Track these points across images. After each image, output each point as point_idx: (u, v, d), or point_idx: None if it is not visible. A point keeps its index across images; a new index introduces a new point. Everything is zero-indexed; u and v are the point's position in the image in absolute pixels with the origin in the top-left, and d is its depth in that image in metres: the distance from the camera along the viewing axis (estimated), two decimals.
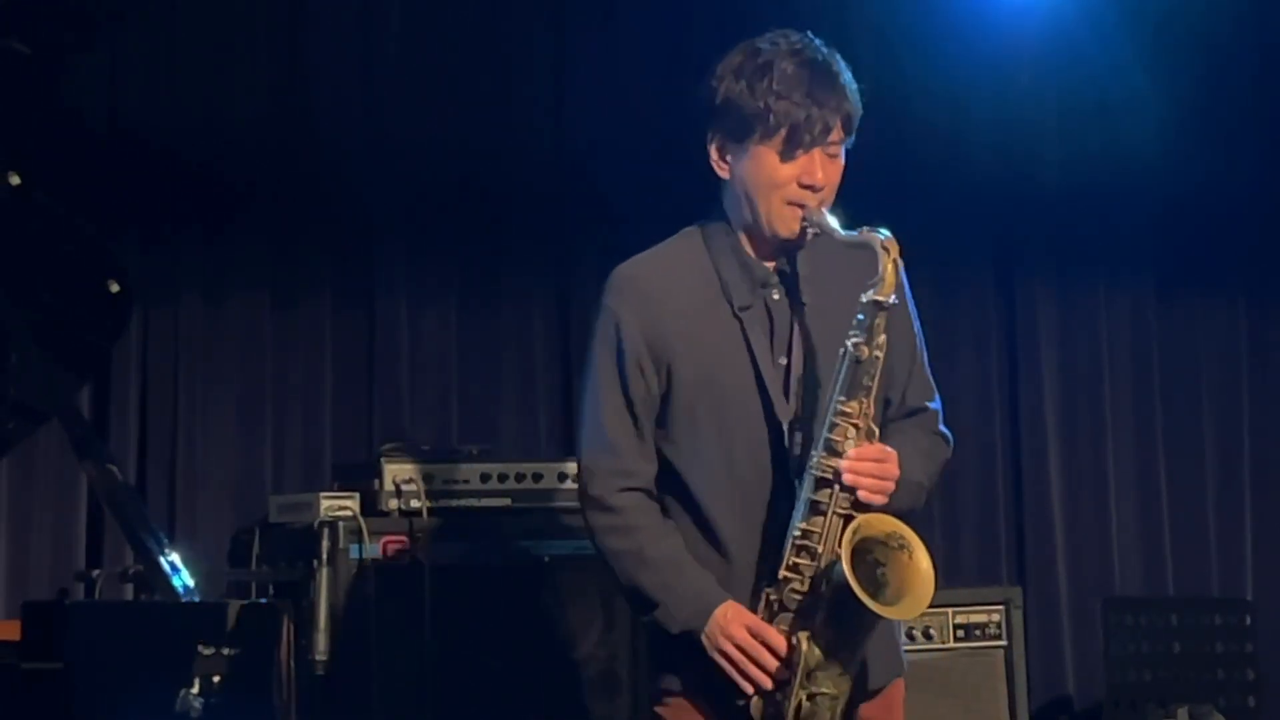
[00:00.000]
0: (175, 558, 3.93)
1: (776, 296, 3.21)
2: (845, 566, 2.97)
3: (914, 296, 6.22)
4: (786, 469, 3.14)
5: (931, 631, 5.02)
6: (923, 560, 3.06)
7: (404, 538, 4.69)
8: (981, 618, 5.09)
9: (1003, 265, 6.09)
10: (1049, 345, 6.08)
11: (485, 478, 4.88)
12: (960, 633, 5.06)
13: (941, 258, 5.97)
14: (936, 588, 3.08)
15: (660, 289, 3.20)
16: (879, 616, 3.04)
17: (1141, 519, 6.12)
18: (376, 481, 4.79)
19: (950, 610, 5.05)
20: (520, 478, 4.86)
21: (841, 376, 3.09)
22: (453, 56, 5.54)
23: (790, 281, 3.22)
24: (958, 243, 6.01)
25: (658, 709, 3.21)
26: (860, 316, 3.10)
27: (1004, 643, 5.10)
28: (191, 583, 3.90)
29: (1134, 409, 6.15)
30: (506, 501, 4.87)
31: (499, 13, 5.59)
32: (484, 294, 5.54)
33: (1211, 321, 6.25)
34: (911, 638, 4.98)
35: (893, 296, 3.11)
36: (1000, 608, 5.12)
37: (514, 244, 5.56)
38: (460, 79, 5.53)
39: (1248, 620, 5.57)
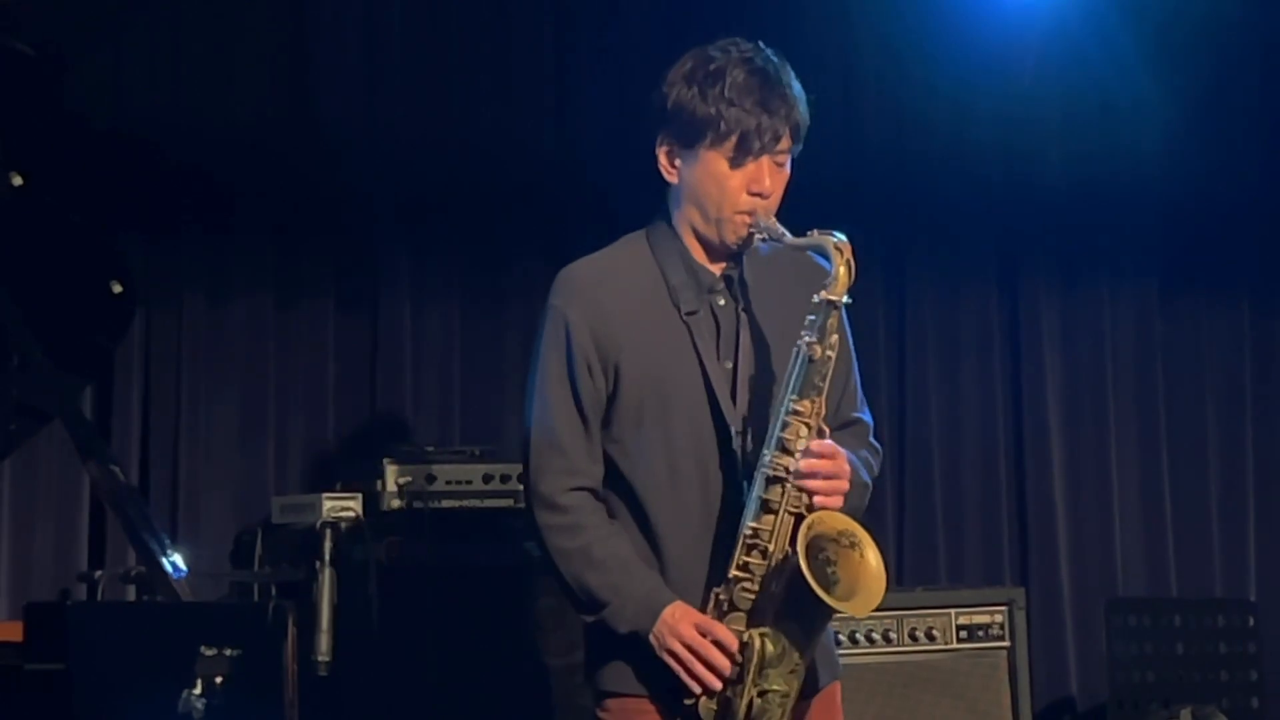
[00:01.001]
0: (178, 558, 3.93)
1: (722, 302, 3.24)
2: (801, 561, 2.98)
3: (918, 296, 6.24)
4: (733, 470, 3.16)
5: (935, 632, 5.01)
6: (873, 558, 3.08)
7: (406, 538, 4.69)
8: (985, 619, 5.09)
9: (1006, 265, 6.08)
10: (1052, 346, 6.07)
11: (488, 478, 4.88)
12: (963, 633, 5.05)
13: (945, 258, 5.98)
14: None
15: (607, 291, 3.23)
16: (833, 611, 3.06)
17: (1145, 519, 6.11)
18: (379, 482, 4.79)
19: (954, 611, 5.05)
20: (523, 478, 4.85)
21: (794, 376, 3.12)
22: (455, 56, 5.54)
23: (736, 287, 3.25)
24: (961, 243, 6.00)
25: (600, 712, 3.21)
26: (813, 316, 3.13)
27: (1007, 643, 5.10)
28: (185, 568, 3.91)
29: (1137, 409, 6.14)
30: (509, 502, 4.87)
31: (501, 12, 5.59)
32: (487, 294, 5.54)
33: (1215, 322, 6.24)
34: (915, 639, 4.98)
35: (846, 296, 3.14)
36: (1004, 608, 5.12)
37: (517, 244, 5.56)
38: (463, 79, 5.53)
39: (1251, 621, 5.56)
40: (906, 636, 4.98)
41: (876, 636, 4.92)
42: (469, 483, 4.85)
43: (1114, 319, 6.15)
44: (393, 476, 4.79)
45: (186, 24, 5.26)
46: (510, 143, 5.55)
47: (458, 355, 5.50)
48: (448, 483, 4.83)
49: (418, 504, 4.76)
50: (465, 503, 4.84)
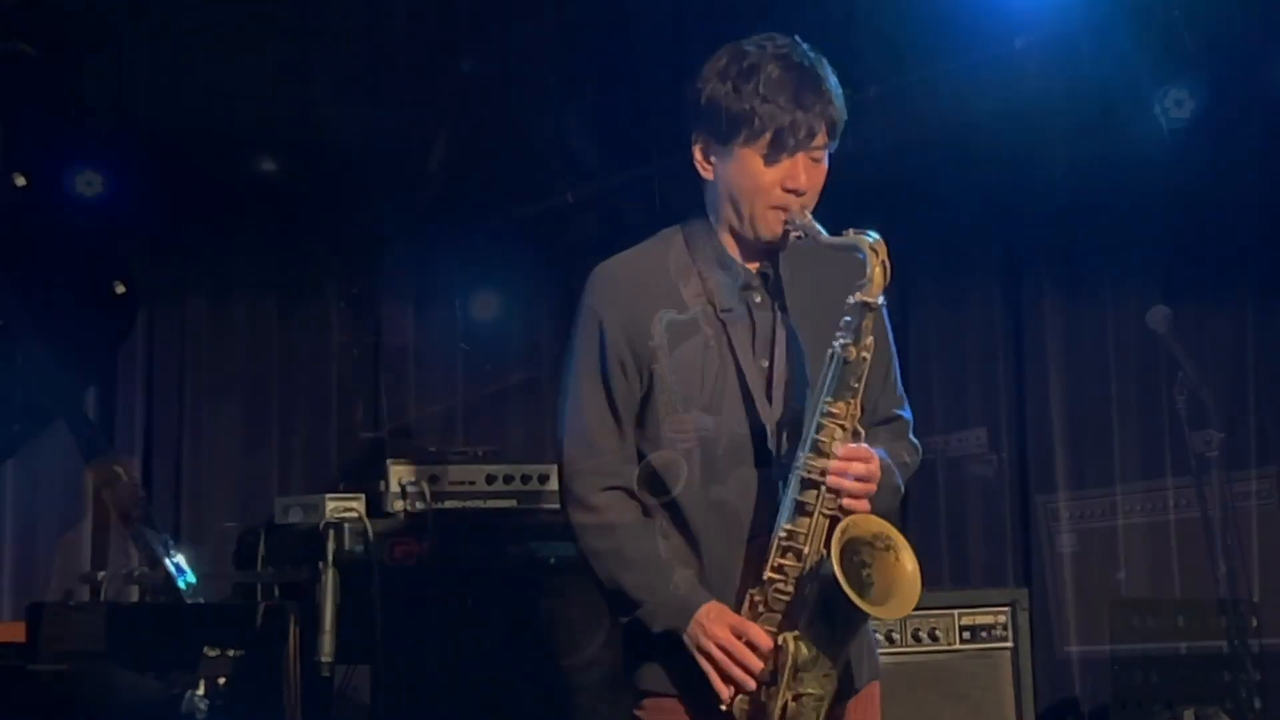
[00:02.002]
0: (180, 559, 3.93)
1: (759, 299, 3.20)
2: (834, 565, 2.96)
3: (921, 301, 6.22)
4: (768, 470, 3.13)
5: (938, 633, 5.01)
6: (908, 561, 3.04)
7: (409, 539, 4.69)
8: (988, 619, 5.08)
9: (1009, 267, 6.08)
10: (1055, 348, 6.07)
11: (491, 479, 4.88)
12: (966, 634, 5.05)
13: (949, 262, 5.98)
14: (923, 588, 3.07)
15: (642, 288, 3.19)
16: (866, 615, 3.02)
17: (1147, 520, 6.10)
18: (382, 483, 4.79)
19: (957, 612, 5.04)
20: (526, 479, 4.86)
21: (829, 377, 3.07)
22: (458, 57, 5.54)
23: (772, 284, 3.21)
24: (965, 248, 6.01)
25: (637, 711, 3.19)
26: (848, 318, 3.08)
27: (1010, 644, 5.09)
28: (195, 579, 3.91)
29: (1140, 410, 6.14)
30: (512, 503, 4.87)
31: (504, 12, 5.59)
32: (489, 294, 5.54)
33: (1218, 322, 6.23)
34: (918, 639, 4.98)
35: (881, 297, 3.10)
36: (1007, 609, 5.11)
37: (520, 246, 5.56)
38: (466, 79, 5.53)
39: (1254, 622, 5.55)
40: (910, 637, 4.97)
41: (880, 637, 4.91)
42: (472, 483, 4.85)
43: (1117, 320, 6.15)
44: (396, 477, 4.79)
45: (188, 25, 5.26)
46: (510, 142, 5.55)
47: (461, 356, 5.51)
48: (451, 483, 4.82)
49: (421, 504, 4.76)
50: (468, 503, 4.84)
